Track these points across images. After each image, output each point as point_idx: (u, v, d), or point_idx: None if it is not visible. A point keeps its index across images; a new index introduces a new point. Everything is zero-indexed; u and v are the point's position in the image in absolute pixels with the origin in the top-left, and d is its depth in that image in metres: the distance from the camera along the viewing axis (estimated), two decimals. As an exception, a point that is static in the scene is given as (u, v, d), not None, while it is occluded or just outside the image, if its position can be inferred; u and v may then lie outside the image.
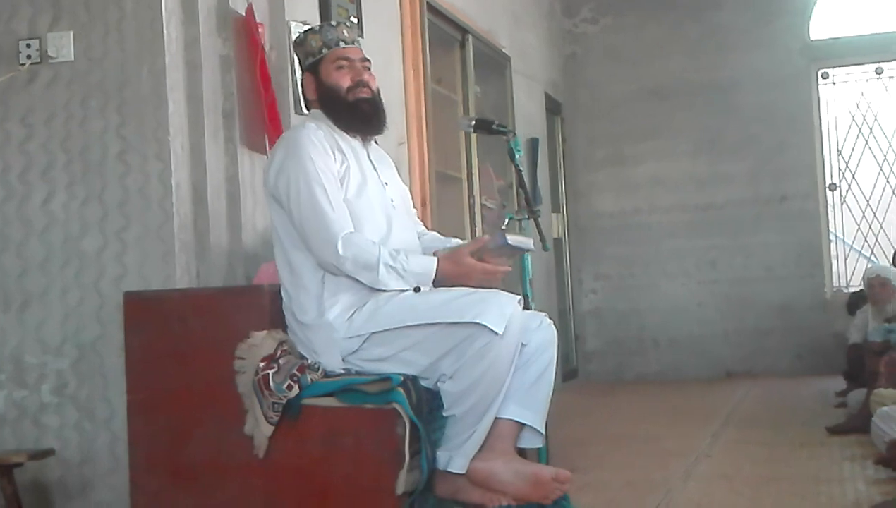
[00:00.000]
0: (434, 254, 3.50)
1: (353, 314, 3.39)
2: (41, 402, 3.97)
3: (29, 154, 4.03)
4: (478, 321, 3.20)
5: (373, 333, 3.35)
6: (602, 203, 10.22)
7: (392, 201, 3.63)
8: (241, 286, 3.97)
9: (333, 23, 3.82)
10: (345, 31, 3.68)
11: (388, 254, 3.37)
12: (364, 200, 3.51)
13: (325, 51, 3.63)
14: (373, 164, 3.64)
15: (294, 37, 4.42)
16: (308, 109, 3.77)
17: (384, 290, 3.39)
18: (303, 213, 3.41)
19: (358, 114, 3.60)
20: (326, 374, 3.38)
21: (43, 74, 4.03)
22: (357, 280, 3.39)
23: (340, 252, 3.35)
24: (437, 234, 3.88)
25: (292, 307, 3.48)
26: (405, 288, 3.39)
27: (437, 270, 3.42)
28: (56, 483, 3.95)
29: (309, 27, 3.85)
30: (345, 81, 3.60)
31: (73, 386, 3.94)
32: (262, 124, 4.23)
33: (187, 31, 4.02)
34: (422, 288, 3.41)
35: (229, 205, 4.11)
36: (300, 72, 3.77)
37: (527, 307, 3.52)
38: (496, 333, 3.19)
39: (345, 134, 3.61)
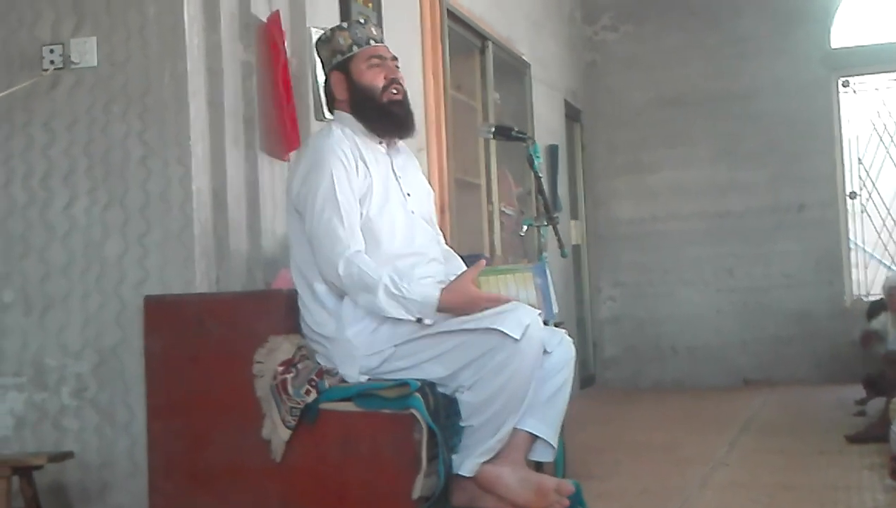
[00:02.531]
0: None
1: (374, 330, 3.37)
2: (61, 405, 4.00)
3: (51, 159, 4.05)
4: (495, 327, 3.21)
5: (395, 347, 3.34)
6: (621, 210, 10.21)
7: (413, 212, 3.59)
8: (260, 291, 3.99)
9: (361, 20, 3.76)
10: (373, 30, 3.65)
11: (390, 279, 3.30)
12: (386, 217, 3.49)
13: (355, 48, 3.59)
14: (395, 173, 3.60)
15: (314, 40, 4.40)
16: (331, 111, 3.72)
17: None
18: (314, 227, 3.40)
19: (390, 118, 3.57)
20: (344, 379, 3.39)
21: (66, 80, 4.06)
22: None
23: (340, 271, 3.32)
24: (460, 261, 3.82)
25: (308, 320, 3.48)
26: (405, 317, 3.31)
27: (439, 300, 3.30)
28: (75, 486, 3.97)
29: (335, 25, 3.81)
30: (379, 81, 3.56)
31: (94, 390, 3.97)
32: (282, 131, 4.24)
33: (209, 37, 4.04)
34: (425, 321, 3.32)
35: (249, 211, 4.13)
36: (324, 72, 3.72)
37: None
38: (514, 339, 3.18)
39: (370, 140, 3.57)
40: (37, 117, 4.08)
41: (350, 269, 3.33)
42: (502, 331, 3.20)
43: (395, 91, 3.58)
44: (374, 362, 3.36)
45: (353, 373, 3.38)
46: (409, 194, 3.61)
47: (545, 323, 3.44)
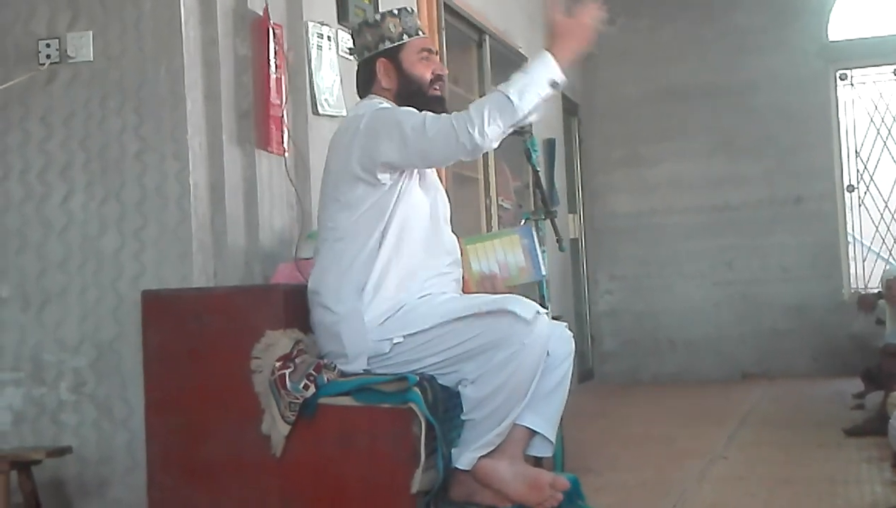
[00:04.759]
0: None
1: (386, 320, 3.36)
2: (59, 400, 3.99)
3: (48, 153, 4.05)
4: (507, 308, 3.21)
5: (405, 336, 3.33)
6: (618, 204, 10.22)
7: (439, 209, 3.57)
8: (258, 285, 3.98)
9: (409, 9, 3.68)
10: (418, 21, 3.62)
11: (502, 87, 3.28)
12: (420, 213, 3.47)
13: (405, 38, 3.55)
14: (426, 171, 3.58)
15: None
16: (361, 96, 3.63)
17: (423, 296, 3.38)
18: (409, 135, 3.30)
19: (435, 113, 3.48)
20: (343, 374, 3.39)
21: (62, 74, 4.05)
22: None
23: (472, 127, 3.23)
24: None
25: (327, 296, 3.42)
26: (545, 92, 3.31)
27: (550, 54, 3.33)
28: (74, 481, 3.97)
29: (384, 10, 3.74)
30: (427, 74, 3.53)
31: (92, 385, 3.96)
32: (273, 125, 4.22)
33: (205, 31, 4.03)
34: (559, 81, 3.32)
35: (246, 205, 4.13)
36: (359, 55, 3.64)
37: (543, 306, 3.51)
38: (525, 320, 3.18)
39: None
40: (33, 112, 4.07)
41: (473, 118, 3.25)
42: (513, 313, 3.19)
43: (438, 87, 3.55)
44: (385, 347, 3.35)
45: (361, 360, 3.37)
46: (437, 193, 3.59)
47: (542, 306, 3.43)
